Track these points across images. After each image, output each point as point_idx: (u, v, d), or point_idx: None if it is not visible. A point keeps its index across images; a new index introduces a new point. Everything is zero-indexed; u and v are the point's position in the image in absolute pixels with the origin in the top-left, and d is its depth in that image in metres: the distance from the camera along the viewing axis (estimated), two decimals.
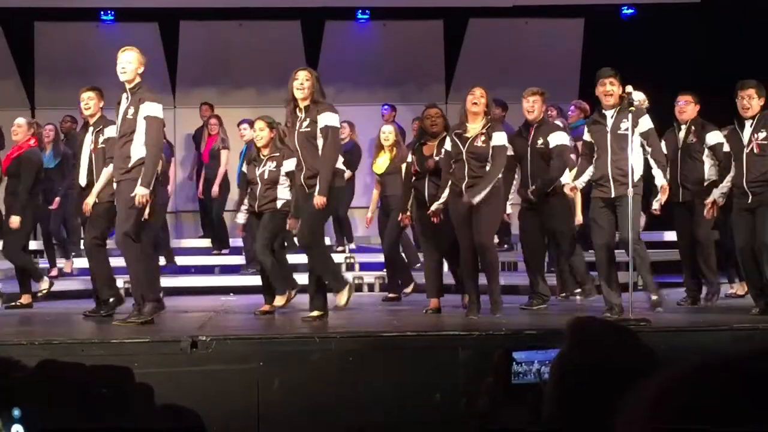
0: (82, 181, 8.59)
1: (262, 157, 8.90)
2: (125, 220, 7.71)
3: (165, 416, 2.90)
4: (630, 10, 14.73)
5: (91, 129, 8.61)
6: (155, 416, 2.42)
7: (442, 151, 8.47)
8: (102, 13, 14.37)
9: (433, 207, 8.41)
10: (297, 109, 7.98)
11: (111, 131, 8.31)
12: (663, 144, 8.86)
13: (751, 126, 8.25)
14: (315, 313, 7.92)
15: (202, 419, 2.93)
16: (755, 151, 8.20)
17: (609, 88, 8.05)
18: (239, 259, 12.37)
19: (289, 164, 8.61)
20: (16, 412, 2.12)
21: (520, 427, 2.62)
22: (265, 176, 8.80)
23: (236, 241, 12.42)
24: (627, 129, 7.92)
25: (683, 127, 9.24)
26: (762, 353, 1.18)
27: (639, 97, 8.21)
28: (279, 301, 8.74)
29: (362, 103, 13.86)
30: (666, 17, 13.78)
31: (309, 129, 7.85)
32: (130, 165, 7.70)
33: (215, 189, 12.55)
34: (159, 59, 14.21)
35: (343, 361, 6.62)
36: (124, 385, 2.25)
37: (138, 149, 7.69)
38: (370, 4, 14.57)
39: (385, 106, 13.04)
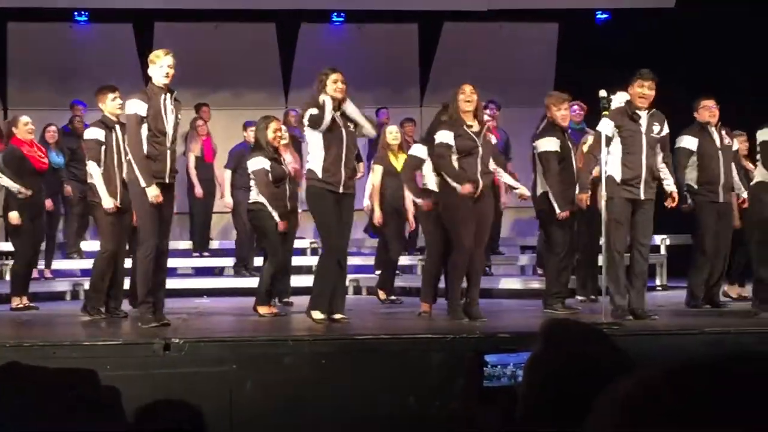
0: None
1: (277, 156, 8.99)
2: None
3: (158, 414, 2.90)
4: (604, 15, 14.79)
5: (117, 127, 8.60)
6: (123, 419, 2.40)
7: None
8: (76, 13, 14.27)
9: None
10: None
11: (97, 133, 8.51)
12: (693, 142, 9.02)
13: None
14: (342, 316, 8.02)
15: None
16: None
17: (648, 92, 8.05)
18: (216, 261, 12.33)
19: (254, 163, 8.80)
20: None
21: (493, 429, 2.63)
22: (292, 174, 9.05)
23: (213, 244, 12.43)
24: (658, 133, 8.03)
25: (713, 129, 9.28)
26: (734, 356, 1.18)
27: (622, 98, 8.21)
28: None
29: None
30: (640, 22, 13.84)
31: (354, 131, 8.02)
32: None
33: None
34: (133, 60, 14.13)
35: (316, 363, 6.61)
36: (89, 389, 2.22)
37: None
38: (345, 7, 14.56)
39: (382, 110, 13.01)
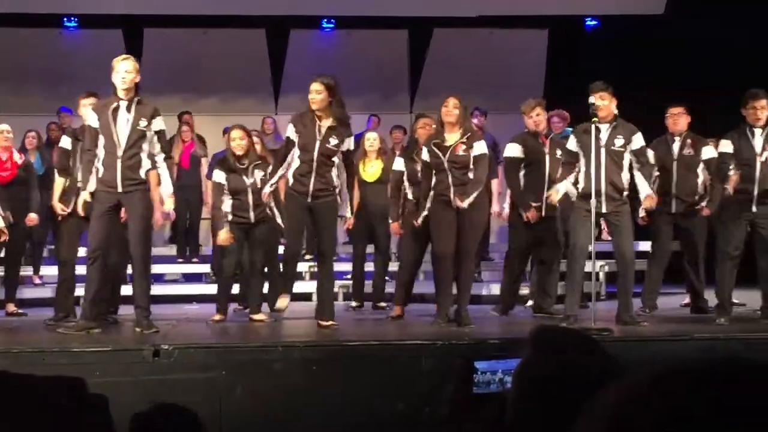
0: (92, 186, 8.43)
1: (240, 165, 8.84)
2: (142, 231, 7.74)
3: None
4: (594, 22, 14.84)
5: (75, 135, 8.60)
6: (112, 427, 2.39)
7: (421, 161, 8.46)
8: (65, 19, 14.27)
9: (419, 219, 8.47)
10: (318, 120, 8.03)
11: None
12: (652, 154, 8.95)
13: (761, 135, 8.33)
14: (331, 322, 8.04)
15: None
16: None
17: (599, 103, 8.00)
18: (205, 268, 12.30)
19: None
20: None
21: None
22: (258, 185, 8.76)
23: (204, 250, 12.39)
24: (621, 146, 8.01)
25: (677, 138, 9.28)
26: (723, 361, 1.18)
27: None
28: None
29: None
30: (629, 29, 13.87)
31: (335, 148, 7.97)
32: (142, 176, 7.69)
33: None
34: None
35: (306, 369, 6.60)
36: (77, 396, 2.21)
37: (146, 160, 7.71)
38: (335, 13, 14.56)
39: (371, 117, 13.02)
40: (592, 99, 7.94)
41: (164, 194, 7.84)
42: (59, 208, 8.60)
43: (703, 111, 9.46)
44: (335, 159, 7.98)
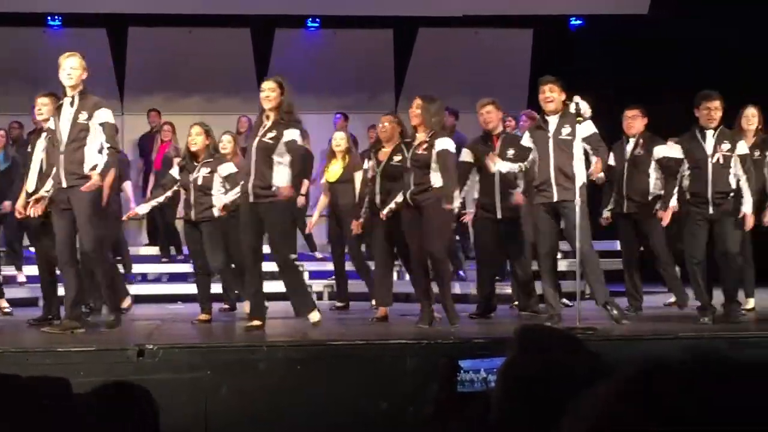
0: (31, 187, 8.46)
1: (195, 163, 8.86)
2: (90, 226, 7.64)
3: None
4: (578, 21, 14.87)
5: (44, 135, 8.48)
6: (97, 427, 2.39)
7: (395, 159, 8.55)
8: (49, 18, 14.21)
9: (384, 211, 8.50)
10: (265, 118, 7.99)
11: None
12: (611, 156, 8.99)
13: (713, 137, 8.33)
14: (256, 322, 7.89)
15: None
16: (720, 161, 8.29)
17: (549, 95, 8.07)
18: (188, 267, 12.27)
19: (224, 169, 8.66)
20: None
21: None
22: (199, 182, 8.76)
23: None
24: (569, 134, 7.97)
25: (631, 140, 9.33)
26: (710, 359, 1.18)
27: (585, 106, 8.25)
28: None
29: (312, 111, 13.81)
30: (613, 28, 13.90)
31: (272, 141, 7.83)
32: (85, 170, 7.63)
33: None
34: (107, 65, 14.09)
35: (291, 369, 6.59)
36: (62, 397, 2.21)
37: (92, 155, 7.64)
38: (321, 12, 14.55)
39: (337, 115, 13.05)
40: (576, 98, 7.96)
41: (93, 173, 7.65)
42: (9, 206, 8.56)
43: (689, 111, 9.47)
44: (276, 157, 7.87)
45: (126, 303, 9.77)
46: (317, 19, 14.72)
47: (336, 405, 6.48)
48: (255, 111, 13.67)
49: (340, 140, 10.15)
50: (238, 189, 8.24)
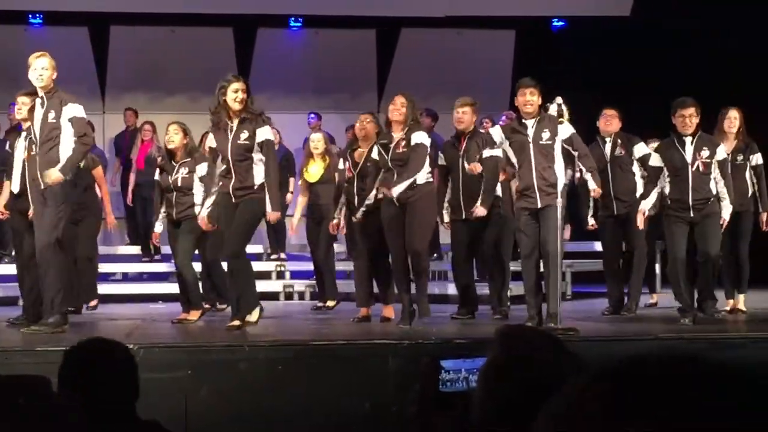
0: (15, 188, 8.39)
1: (173, 163, 8.84)
2: (54, 227, 7.58)
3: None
4: (560, 23, 14.90)
5: (23, 134, 8.40)
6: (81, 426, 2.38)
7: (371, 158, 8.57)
8: (30, 16, 14.14)
9: (358, 214, 8.57)
10: (229, 119, 7.89)
11: None
12: None
13: (692, 144, 8.35)
14: (237, 322, 7.84)
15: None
16: (701, 169, 8.32)
17: (530, 98, 8.02)
18: (168, 267, 12.24)
19: (202, 169, 8.64)
20: None
21: None
22: (179, 183, 8.75)
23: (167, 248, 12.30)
24: (549, 139, 7.97)
25: (608, 140, 9.36)
26: (682, 357, 1.19)
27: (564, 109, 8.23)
28: (194, 315, 8.65)
29: (294, 111, 13.85)
30: (595, 30, 13.94)
31: (247, 142, 7.80)
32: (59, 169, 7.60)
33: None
34: (88, 64, 14.05)
35: (272, 369, 6.59)
36: (42, 396, 2.20)
37: (66, 152, 7.62)
38: (303, 12, 14.54)
39: (312, 115, 13.06)
40: (558, 100, 7.96)
41: (55, 166, 7.61)
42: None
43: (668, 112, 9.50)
44: (253, 155, 7.82)
45: (93, 302, 9.82)
46: (300, 19, 14.72)
47: (318, 405, 6.48)
48: None
49: (317, 142, 10.13)
50: (212, 198, 8.16)
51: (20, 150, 8.36)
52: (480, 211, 8.70)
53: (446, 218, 9.05)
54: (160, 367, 6.46)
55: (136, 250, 12.92)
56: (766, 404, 1.13)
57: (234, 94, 7.80)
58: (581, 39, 14.15)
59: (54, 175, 7.49)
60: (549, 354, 2.12)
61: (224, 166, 7.96)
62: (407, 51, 14.80)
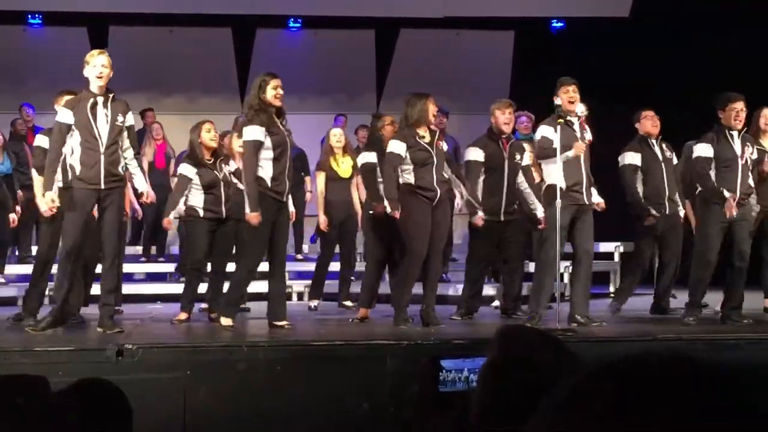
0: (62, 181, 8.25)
1: (207, 160, 8.82)
2: (119, 227, 7.81)
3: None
4: (559, 24, 14.91)
5: (73, 132, 8.39)
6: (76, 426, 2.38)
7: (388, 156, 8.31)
8: (29, 16, 14.15)
9: (393, 212, 8.22)
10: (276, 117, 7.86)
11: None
12: (636, 157, 9.07)
13: (739, 137, 8.36)
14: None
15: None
16: (748, 163, 8.37)
17: (573, 95, 8.12)
18: (168, 267, 12.24)
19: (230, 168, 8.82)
20: None
21: None
22: (231, 178, 8.85)
23: (174, 249, 12.36)
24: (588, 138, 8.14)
25: (655, 141, 9.28)
26: (681, 357, 1.19)
27: (581, 109, 8.21)
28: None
29: (293, 112, 13.75)
30: (595, 31, 13.95)
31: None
32: (121, 172, 7.67)
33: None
34: None
35: (271, 370, 6.58)
36: (40, 395, 2.19)
37: (122, 157, 7.70)
38: (302, 12, 14.55)
39: (339, 117, 12.97)
40: (558, 101, 7.99)
41: (141, 189, 7.90)
42: (49, 205, 8.19)
43: (673, 112, 9.51)
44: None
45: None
46: (299, 20, 14.72)
47: (316, 405, 6.47)
48: (236, 111, 13.74)
49: (340, 136, 10.08)
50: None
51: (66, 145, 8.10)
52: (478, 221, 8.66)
53: (481, 214, 8.59)
54: (159, 367, 6.46)
55: (136, 250, 12.90)
56: (766, 404, 1.13)
57: (274, 91, 7.80)
58: (580, 40, 14.14)
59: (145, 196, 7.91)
60: (549, 354, 2.12)
61: (276, 168, 7.81)
62: (406, 52, 14.80)
